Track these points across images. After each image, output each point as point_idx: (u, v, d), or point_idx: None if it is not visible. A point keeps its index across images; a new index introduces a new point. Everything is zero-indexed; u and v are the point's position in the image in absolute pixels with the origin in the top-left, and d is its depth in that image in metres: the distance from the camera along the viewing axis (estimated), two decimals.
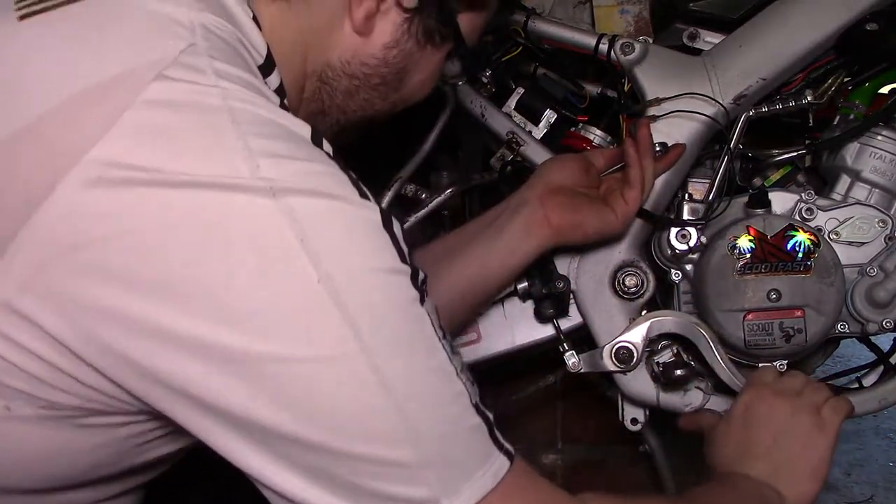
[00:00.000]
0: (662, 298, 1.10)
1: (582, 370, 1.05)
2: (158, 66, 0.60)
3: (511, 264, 0.96)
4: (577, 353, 1.05)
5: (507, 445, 0.67)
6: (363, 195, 0.62)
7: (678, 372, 1.03)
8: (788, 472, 0.88)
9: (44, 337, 0.60)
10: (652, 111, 1.03)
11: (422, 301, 0.63)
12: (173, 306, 0.58)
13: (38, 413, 0.63)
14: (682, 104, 1.02)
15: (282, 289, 0.58)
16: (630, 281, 1.05)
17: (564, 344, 1.06)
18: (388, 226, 0.62)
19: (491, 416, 0.67)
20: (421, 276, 0.64)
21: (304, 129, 0.64)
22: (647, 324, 1.02)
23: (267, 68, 0.71)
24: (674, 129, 1.03)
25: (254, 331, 0.58)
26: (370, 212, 0.62)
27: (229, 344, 0.58)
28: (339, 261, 0.59)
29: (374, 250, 0.61)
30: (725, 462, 0.90)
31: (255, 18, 0.71)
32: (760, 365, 1.04)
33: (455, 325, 1.03)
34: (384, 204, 1.09)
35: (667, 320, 1.02)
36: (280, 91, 0.73)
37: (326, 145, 0.65)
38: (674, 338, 1.04)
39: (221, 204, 0.58)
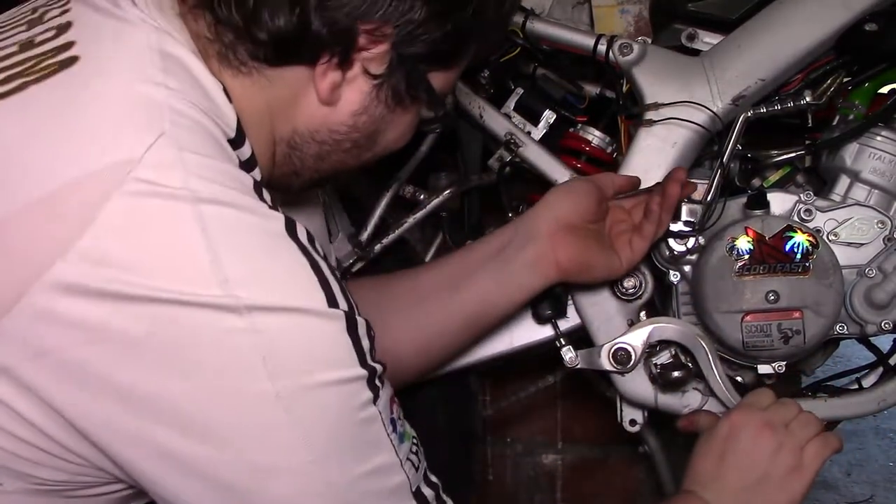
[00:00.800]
0: (661, 299, 1.10)
1: (578, 366, 1.05)
2: (126, 168, 0.60)
3: (516, 299, 0.95)
4: (575, 350, 1.05)
5: None
6: (330, 299, 0.64)
7: (676, 373, 1.03)
8: None
9: (23, 422, 0.62)
10: (650, 115, 1.03)
11: (376, 399, 0.67)
12: (138, 412, 0.61)
13: (29, 488, 0.66)
14: (678, 112, 1.02)
15: (241, 404, 0.62)
16: (628, 282, 1.05)
17: (561, 339, 1.06)
18: (351, 329, 0.65)
19: (433, 491, 0.72)
20: (378, 371, 0.68)
21: (277, 223, 0.65)
22: (649, 328, 1.02)
23: (238, 140, 0.71)
24: (670, 133, 1.02)
25: (213, 442, 0.62)
26: (334, 321, 0.64)
27: (189, 452, 0.62)
28: (297, 378, 0.62)
29: (333, 363, 0.64)
30: (696, 479, 0.90)
31: (225, 90, 0.70)
32: (759, 368, 1.04)
33: (454, 353, 1.03)
34: (382, 205, 1.09)
35: (669, 328, 1.02)
36: (250, 163, 0.73)
37: (301, 232, 0.66)
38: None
39: (189, 321, 0.60)
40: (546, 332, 1.08)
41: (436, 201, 1.10)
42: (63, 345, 0.59)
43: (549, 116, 1.12)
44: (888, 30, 0.99)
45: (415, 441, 0.72)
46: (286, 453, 0.63)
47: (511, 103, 1.13)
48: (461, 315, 0.95)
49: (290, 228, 0.65)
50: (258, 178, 0.71)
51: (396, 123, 0.80)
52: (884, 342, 1.10)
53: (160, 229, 0.60)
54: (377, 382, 0.67)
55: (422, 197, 1.13)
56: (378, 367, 0.68)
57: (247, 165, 0.71)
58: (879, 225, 1.03)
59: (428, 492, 0.71)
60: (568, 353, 1.06)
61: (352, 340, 0.65)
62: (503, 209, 1.13)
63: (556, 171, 1.09)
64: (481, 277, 0.94)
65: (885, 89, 1.10)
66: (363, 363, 0.66)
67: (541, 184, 1.12)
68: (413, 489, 0.70)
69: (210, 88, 0.69)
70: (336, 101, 0.75)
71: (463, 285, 0.94)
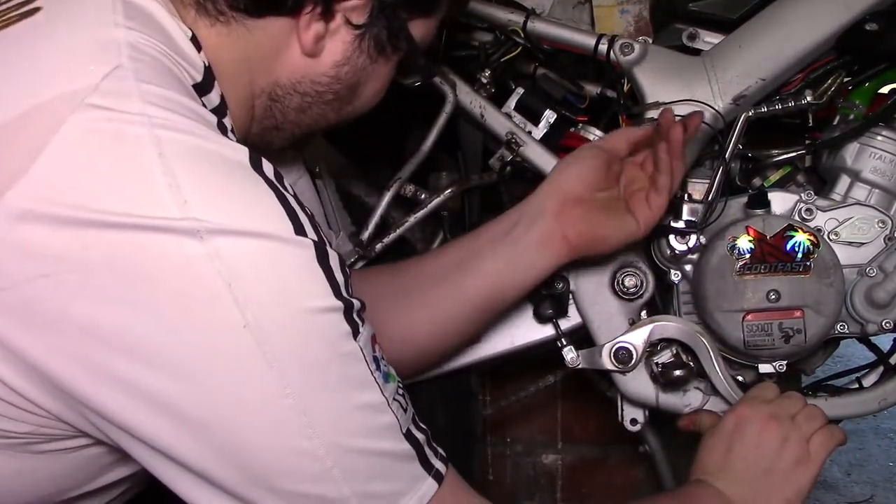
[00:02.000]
0: (662, 299, 1.10)
1: (580, 366, 1.05)
2: (80, 95, 0.59)
3: (526, 281, 0.93)
4: (576, 350, 1.05)
5: (439, 465, 0.69)
6: (298, 228, 0.61)
7: (677, 372, 1.03)
8: (762, 502, 0.88)
9: None
10: (651, 114, 1.03)
11: (355, 334, 0.64)
12: (101, 347, 0.58)
13: None
14: (679, 109, 1.01)
15: (207, 335, 0.59)
16: (629, 281, 1.05)
17: (563, 339, 1.06)
18: (322, 259, 0.62)
19: (424, 435, 0.69)
20: (356, 306, 0.64)
21: (241, 154, 0.62)
22: (649, 327, 1.02)
23: (205, 87, 0.69)
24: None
25: (180, 375, 0.59)
26: (302, 248, 0.61)
27: (155, 386, 0.59)
28: (266, 305, 0.59)
29: (304, 291, 0.61)
30: (704, 470, 0.90)
31: (193, 38, 0.69)
32: (760, 367, 1.04)
33: (468, 337, 1.00)
34: (383, 205, 1.09)
35: (669, 326, 1.02)
36: (219, 110, 0.71)
37: (267, 167, 0.63)
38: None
39: (146, 247, 0.57)
40: (547, 331, 1.08)
41: (437, 201, 1.10)
42: (20, 278, 0.57)
43: (549, 116, 1.12)
44: (888, 30, 0.99)
45: (400, 384, 0.69)
46: (259, 387, 0.60)
47: (512, 103, 1.13)
48: (472, 298, 0.93)
49: (255, 162, 0.63)
50: (228, 125, 0.69)
51: (377, 75, 0.80)
52: (884, 341, 1.10)
53: (114, 153, 0.58)
54: (356, 317, 0.64)
55: (423, 196, 1.13)
56: (356, 302, 0.64)
57: (215, 113, 0.68)
58: (880, 224, 1.04)
59: (420, 435, 0.69)
60: (569, 354, 1.05)
61: (323, 270, 0.62)
62: (504, 209, 1.13)
63: None
64: (490, 260, 0.92)
65: (885, 89, 1.10)
66: (338, 294, 0.62)
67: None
68: (403, 430, 0.67)
69: (175, 35, 0.68)
70: (319, 52, 0.75)
71: (471, 269, 0.92)
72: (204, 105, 0.68)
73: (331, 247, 0.63)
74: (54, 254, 0.57)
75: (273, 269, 0.60)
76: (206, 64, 0.70)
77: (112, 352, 0.58)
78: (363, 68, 0.78)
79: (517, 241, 0.92)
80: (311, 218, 0.63)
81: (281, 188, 0.63)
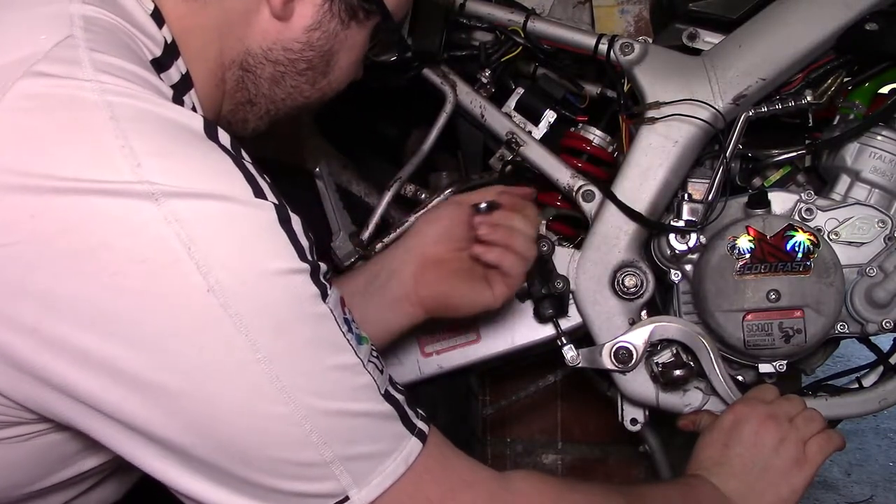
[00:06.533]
0: (662, 299, 1.10)
1: (580, 365, 1.05)
2: (28, 62, 0.57)
3: (380, 337, 0.91)
4: (576, 349, 1.05)
5: (421, 425, 0.67)
6: (257, 192, 0.59)
7: (677, 372, 1.03)
8: (756, 499, 0.88)
9: None
10: (651, 114, 1.03)
11: (324, 296, 0.62)
12: (60, 319, 0.56)
13: None
14: (680, 108, 1.02)
15: (170, 301, 0.57)
16: (629, 281, 1.05)
17: (563, 338, 1.06)
18: (284, 222, 0.60)
19: (403, 396, 0.67)
20: (323, 268, 0.63)
21: (195, 121, 0.61)
22: (650, 328, 1.02)
23: (164, 62, 0.68)
24: (672, 131, 1.03)
25: (144, 345, 0.57)
26: (263, 211, 0.59)
27: (120, 358, 0.57)
28: (229, 268, 0.57)
29: (267, 253, 0.59)
30: (701, 466, 0.91)
31: (156, 12, 0.68)
32: (760, 367, 1.04)
33: None
34: (383, 205, 1.09)
35: (670, 327, 1.02)
36: (180, 87, 0.69)
37: (223, 136, 0.62)
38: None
39: (100, 212, 0.55)
40: (547, 331, 1.08)
41: (437, 200, 1.10)
42: None
43: (549, 116, 1.12)
44: (888, 29, 0.99)
45: (373, 347, 0.67)
46: (228, 353, 0.57)
47: (512, 102, 1.13)
48: None
49: (210, 130, 0.61)
50: (189, 102, 0.68)
51: (351, 43, 0.78)
52: (884, 341, 1.10)
53: (62, 117, 0.56)
54: (322, 280, 0.62)
55: (423, 196, 1.13)
56: (322, 265, 0.63)
57: (169, 88, 0.66)
58: (880, 224, 1.04)
59: (399, 396, 0.67)
60: (569, 352, 1.06)
61: (286, 233, 0.60)
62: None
63: (557, 170, 1.09)
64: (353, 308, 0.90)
65: (885, 89, 1.11)
66: (303, 257, 0.60)
67: (542, 183, 1.12)
68: (382, 391, 0.65)
69: (132, 9, 0.66)
70: (290, 15, 0.73)
71: None
72: (162, 80, 0.66)
73: (293, 212, 0.62)
74: (5, 223, 0.55)
75: (233, 231, 0.58)
76: (169, 40, 0.69)
77: (73, 325, 0.56)
78: (335, 34, 0.76)
79: (372, 297, 0.91)
80: (270, 184, 0.62)
81: (238, 155, 0.61)
